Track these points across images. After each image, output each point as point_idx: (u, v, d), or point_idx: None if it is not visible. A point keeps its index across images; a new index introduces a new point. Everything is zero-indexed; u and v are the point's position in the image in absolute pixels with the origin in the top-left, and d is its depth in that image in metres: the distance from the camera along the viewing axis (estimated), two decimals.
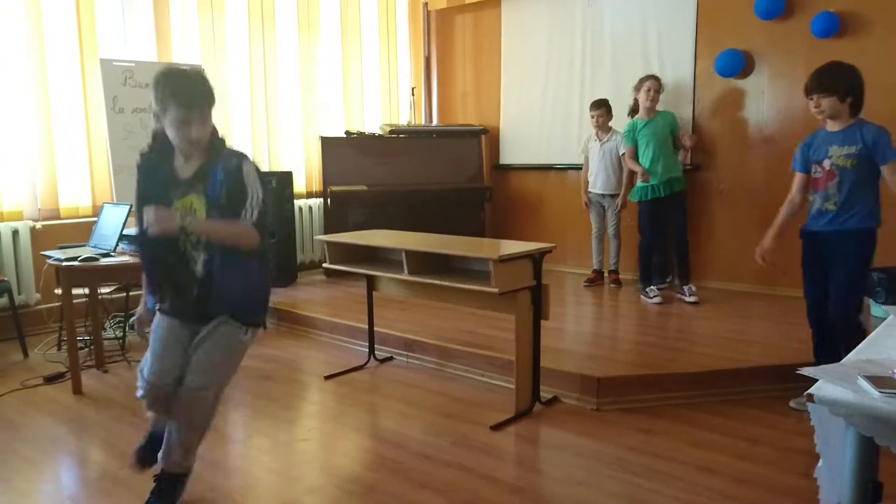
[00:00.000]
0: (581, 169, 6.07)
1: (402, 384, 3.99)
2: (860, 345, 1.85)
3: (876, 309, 4.70)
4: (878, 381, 1.50)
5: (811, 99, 3.31)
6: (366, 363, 4.31)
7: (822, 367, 1.63)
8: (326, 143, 6.57)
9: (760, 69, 5.45)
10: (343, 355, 4.52)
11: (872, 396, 1.45)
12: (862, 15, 4.97)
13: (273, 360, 4.48)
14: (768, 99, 5.42)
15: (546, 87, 6.80)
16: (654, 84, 5.34)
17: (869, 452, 1.47)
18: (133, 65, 5.21)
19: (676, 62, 5.84)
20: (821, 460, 1.76)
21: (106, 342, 4.56)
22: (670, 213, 5.28)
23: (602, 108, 5.70)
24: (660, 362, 3.84)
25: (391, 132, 6.90)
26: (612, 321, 5.03)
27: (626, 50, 6.19)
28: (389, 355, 4.44)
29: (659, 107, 5.43)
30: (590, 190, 5.89)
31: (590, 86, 6.45)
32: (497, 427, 3.31)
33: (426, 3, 7.61)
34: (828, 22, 5.01)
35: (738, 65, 5.46)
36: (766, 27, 5.33)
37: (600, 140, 5.77)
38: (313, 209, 6.77)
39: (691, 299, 5.17)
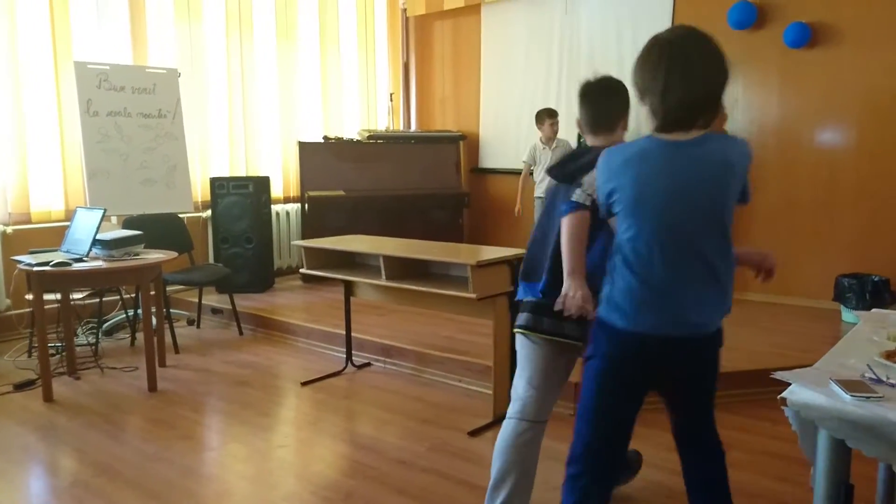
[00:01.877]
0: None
1: (379, 390, 3.97)
2: (831, 349, 1.87)
3: (847, 314, 4.78)
4: (849, 385, 1.52)
5: None
6: (343, 369, 4.29)
7: (796, 371, 1.65)
8: (304, 147, 6.54)
9: (734, 79, 5.51)
10: (320, 361, 4.50)
11: (844, 400, 1.48)
12: (833, 26, 5.07)
13: (249, 366, 4.44)
14: (742, 108, 5.49)
15: (524, 92, 6.85)
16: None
17: (841, 455, 1.50)
18: (108, 68, 5.14)
19: None
20: (813, 468, 1.78)
21: (78, 348, 4.48)
22: None
23: (557, 116, 5.92)
24: None
25: (369, 137, 6.88)
26: None
27: (603, 57, 6.25)
28: (367, 361, 4.43)
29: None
30: (540, 195, 5.93)
31: (566, 91, 6.51)
32: (475, 433, 3.31)
33: (405, 10, 7.62)
34: (800, 32, 5.10)
35: None
36: (739, 37, 5.41)
37: (550, 146, 5.90)
38: (291, 214, 6.73)
39: None
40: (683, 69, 1.71)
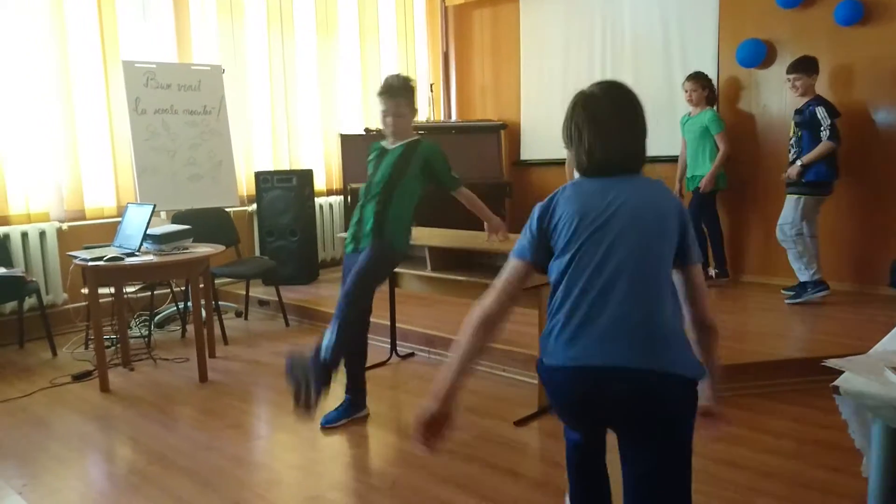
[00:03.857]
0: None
1: (423, 380, 4.00)
2: (886, 336, 1.82)
3: None
4: None
5: None
6: (388, 359, 4.33)
7: (849, 358, 1.61)
8: (346, 140, 6.59)
9: (783, 59, 5.36)
10: None
11: None
12: (886, 2, 4.88)
13: None
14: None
15: (566, 81, 6.76)
16: None
17: None
18: (154, 66, 5.26)
19: (699, 53, 5.77)
20: (865, 457, 1.73)
21: (132, 340, 4.62)
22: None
23: None
24: None
25: None
26: None
27: (647, 42, 6.13)
28: (411, 351, 4.45)
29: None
30: None
31: (610, 78, 6.41)
32: (520, 422, 3.31)
33: None
34: (851, 9, 4.92)
35: (760, 55, 5.39)
36: (787, 16, 5.25)
37: None
38: (334, 206, 6.80)
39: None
40: (598, 130, 1.82)
